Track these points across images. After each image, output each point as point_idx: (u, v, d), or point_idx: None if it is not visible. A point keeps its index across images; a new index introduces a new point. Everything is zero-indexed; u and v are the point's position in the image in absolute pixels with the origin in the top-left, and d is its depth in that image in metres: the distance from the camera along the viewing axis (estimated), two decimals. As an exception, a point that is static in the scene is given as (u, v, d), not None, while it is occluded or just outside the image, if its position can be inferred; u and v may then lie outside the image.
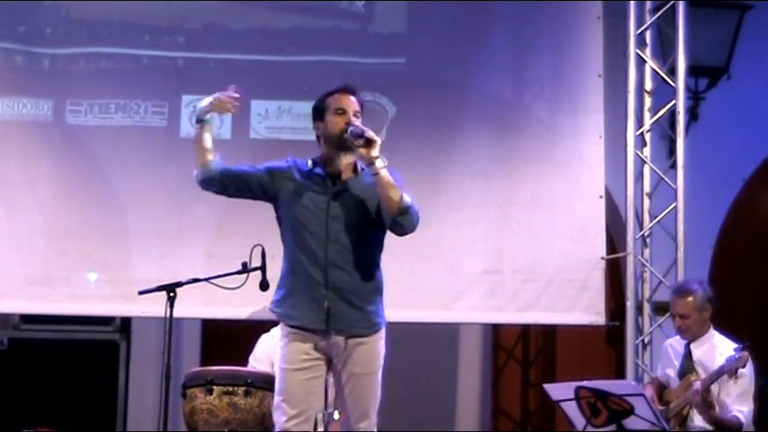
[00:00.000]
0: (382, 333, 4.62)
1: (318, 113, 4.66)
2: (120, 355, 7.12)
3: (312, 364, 4.54)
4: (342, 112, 4.59)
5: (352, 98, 4.65)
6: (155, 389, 6.75)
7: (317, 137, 4.68)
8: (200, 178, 4.66)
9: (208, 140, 4.65)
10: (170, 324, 4.89)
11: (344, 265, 4.51)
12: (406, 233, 4.57)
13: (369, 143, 4.44)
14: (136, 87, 6.56)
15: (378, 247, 4.63)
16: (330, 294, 4.50)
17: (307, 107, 6.43)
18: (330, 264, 4.50)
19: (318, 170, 4.62)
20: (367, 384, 4.55)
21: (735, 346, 5.51)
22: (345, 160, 4.60)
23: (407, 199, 4.49)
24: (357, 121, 4.57)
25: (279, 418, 4.54)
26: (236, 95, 4.66)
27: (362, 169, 4.59)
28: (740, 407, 5.48)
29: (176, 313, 4.95)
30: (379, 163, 4.42)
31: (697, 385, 5.46)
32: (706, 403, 5.43)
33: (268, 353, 5.83)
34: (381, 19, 6.75)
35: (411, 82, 6.72)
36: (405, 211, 4.47)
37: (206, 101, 4.68)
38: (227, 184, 4.66)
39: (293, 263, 4.58)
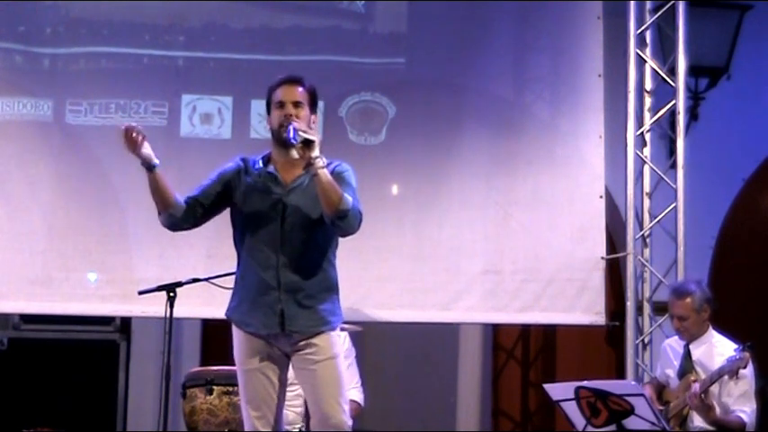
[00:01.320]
0: (337, 329, 4.50)
1: (267, 108, 4.53)
2: (120, 355, 7.13)
3: (264, 364, 4.44)
4: (280, 105, 4.44)
5: (297, 89, 4.46)
6: (155, 389, 6.75)
7: (269, 131, 4.55)
8: (168, 223, 4.51)
9: (165, 182, 4.45)
10: (170, 324, 4.89)
11: (297, 266, 4.40)
12: (347, 235, 4.43)
13: (307, 143, 4.27)
14: (136, 87, 6.56)
15: (331, 244, 4.50)
16: (283, 296, 4.40)
17: (307, 107, 6.42)
18: (282, 265, 4.39)
19: (270, 168, 4.49)
20: (329, 369, 4.39)
21: (734, 346, 5.51)
22: (296, 156, 4.42)
23: (347, 201, 4.32)
24: (299, 112, 4.41)
25: (246, 420, 4.48)
26: (133, 131, 4.38)
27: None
28: (742, 407, 5.48)
29: (176, 313, 4.96)
30: (318, 163, 4.26)
31: (695, 388, 5.45)
32: (704, 406, 5.43)
33: None
34: (381, 19, 6.75)
35: (411, 82, 6.71)
36: (343, 214, 4.31)
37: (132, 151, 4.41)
38: (191, 219, 4.51)
39: (246, 265, 4.48)
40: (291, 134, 4.27)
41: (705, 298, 5.70)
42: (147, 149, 4.39)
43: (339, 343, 4.52)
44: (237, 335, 4.50)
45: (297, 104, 4.44)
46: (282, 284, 4.40)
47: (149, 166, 4.41)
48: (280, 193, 4.44)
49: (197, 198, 4.52)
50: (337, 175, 4.41)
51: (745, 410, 5.47)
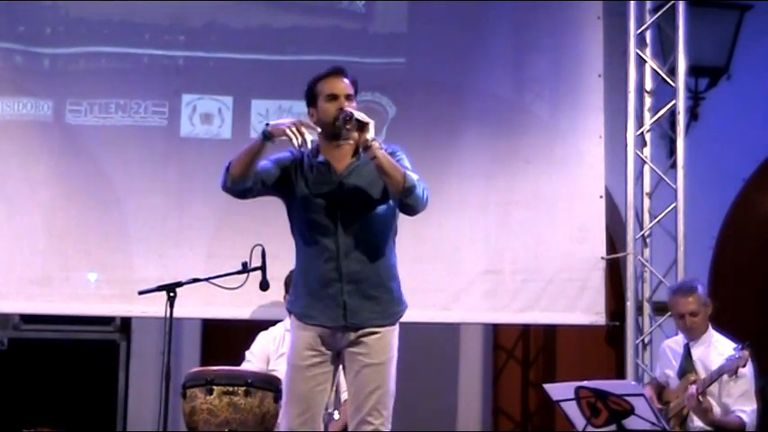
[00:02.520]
0: (398, 325, 4.50)
1: (311, 99, 4.48)
2: (120, 355, 7.13)
3: (320, 359, 4.41)
4: (333, 97, 4.40)
5: (345, 81, 4.44)
6: (155, 389, 6.76)
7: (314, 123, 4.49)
8: (240, 188, 4.39)
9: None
10: (170, 324, 4.88)
11: (358, 255, 4.38)
12: (417, 212, 4.40)
13: (361, 126, 4.27)
14: (136, 87, 6.56)
15: (390, 230, 4.50)
16: (346, 287, 4.38)
17: (307, 107, 6.40)
18: (343, 255, 4.37)
19: (320, 158, 4.45)
20: (376, 375, 4.39)
21: (733, 345, 5.52)
22: (346, 144, 4.41)
23: (412, 177, 4.30)
24: (351, 105, 4.39)
25: (285, 416, 4.46)
26: (313, 135, 4.36)
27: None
28: (742, 406, 5.48)
29: (176, 313, 4.94)
30: (375, 144, 4.26)
31: (692, 390, 5.46)
32: (702, 407, 5.43)
33: (264, 349, 5.85)
34: (382, 19, 6.75)
35: (411, 82, 6.71)
36: (410, 191, 4.28)
37: (285, 122, 4.30)
38: (258, 186, 4.42)
39: (306, 259, 4.45)
40: (348, 114, 4.27)
41: (706, 293, 5.74)
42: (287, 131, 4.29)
43: (395, 343, 4.49)
44: (297, 330, 4.45)
45: (348, 97, 4.41)
46: (344, 275, 4.37)
47: (271, 137, 4.30)
48: (335, 182, 4.40)
49: (259, 173, 4.41)
50: (392, 156, 4.37)
51: (745, 410, 5.48)
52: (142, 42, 6.59)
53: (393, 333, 4.48)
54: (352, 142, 4.40)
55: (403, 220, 6.54)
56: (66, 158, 6.47)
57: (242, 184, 4.38)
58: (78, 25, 6.57)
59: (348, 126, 4.30)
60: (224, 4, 6.61)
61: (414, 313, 6.47)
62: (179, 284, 5.04)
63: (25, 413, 6.76)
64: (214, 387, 5.27)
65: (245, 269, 5.02)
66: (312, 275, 4.43)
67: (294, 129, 4.26)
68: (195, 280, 5.18)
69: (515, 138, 6.70)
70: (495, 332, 7.78)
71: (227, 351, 6.31)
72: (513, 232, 6.61)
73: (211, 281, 5.21)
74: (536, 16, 6.76)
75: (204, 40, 6.63)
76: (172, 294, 4.94)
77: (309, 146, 4.33)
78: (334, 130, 4.39)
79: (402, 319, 6.65)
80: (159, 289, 5.02)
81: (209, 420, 5.27)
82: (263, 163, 4.44)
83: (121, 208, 6.45)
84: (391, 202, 4.43)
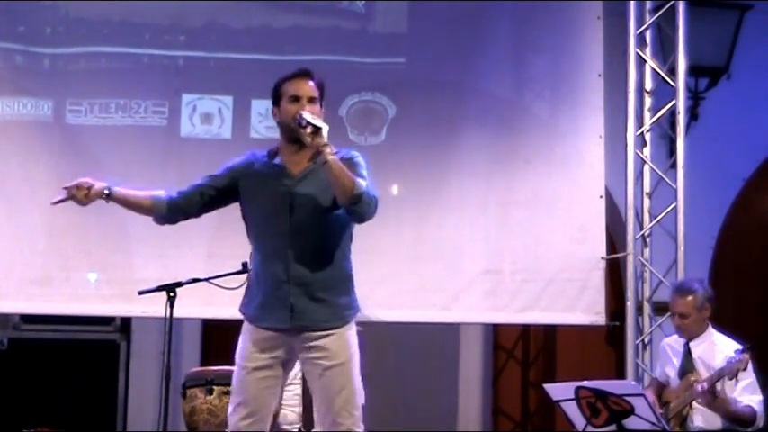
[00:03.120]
0: (352, 324, 4.46)
1: (275, 99, 4.48)
2: (120, 355, 7.13)
3: (271, 362, 4.38)
4: (296, 99, 4.38)
5: (310, 83, 4.42)
6: (155, 389, 6.75)
7: (277, 123, 4.51)
8: (160, 222, 4.55)
9: (130, 196, 4.50)
10: (170, 324, 4.88)
11: (308, 259, 4.33)
12: (364, 221, 4.36)
13: (316, 130, 4.25)
14: (136, 87, 6.56)
15: (343, 235, 4.45)
16: (293, 290, 4.33)
17: (307, 107, 6.40)
18: (293, 258, 4.34)
19: (277, 161, 4.44)
20: (338, 376, 4.33)
21: (733, 343, 5.51)
22: (306, 148, 4.38)
23: (360, 185, 4.24)
24: (313, 108, 4.37)
25: (232, 418, 4.40)
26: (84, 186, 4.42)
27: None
28: (750, 396, 5.48)
29: (176, 313, 4.94)
30: (327, 149, 4.22)
31: (703, 386, 5.43)
32: (718, 399, 5.40)
33: None
34: (382, 19, 6.75)
35: (411, 82, 6.71)
36: (357, 199, 4.23)
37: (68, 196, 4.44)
38: (185, 207, 4.50)
39: (259, 261, 4.45)
40: (304, 120, 4.26)
41: (707, 297, 5.71)
42: (94, 191, 4.43)
43: (353, 341, 4.43)
44: (248, 331, 4.44)
45: (311, 100, 4.41)
46: (292, 278, 4.34)
47: (106, 197, 4.44)
48: (288, 185, 4.39)
49: (200, 187, 4.50)
50: (348, 161, 4.35)
51: (754, 399, 5.47)
52: (142, 42, 6.59)
53: (349, 332, 4.43)
54: (308, 142, 4.36)
55: (405, 220, 6.61)
56: (66, 158, 6.47)
57: (160, 218, 4.52)
58: (78, 25, 6.57)
59: (303, 130, 4.27)
60: (224, 4, 6.61)
61: (414, 313, 6.55)
62: (179, 284, 5.04)
63: (25, 413, 6.76)
64: (214, 387, 5.29)
65: (245, 269, 5.02)
66: (264, 278, 4.42)
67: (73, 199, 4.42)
68: (195, 280, 5.18)
69: (515, 138, 6.70)
70: (495, 332, 7.78)
71: (227, 351, 6.29)
72: (513, 232, 6.61)
73: (211, 281, 5.21)
74: (536, 16, 6.76)
75: (204, 40, 6.63)
76: (172, 294, 4.94)
77: None
78: (292, 133, 4.38)
79: (402, 320, 6.68)
80: (159, 289, 5.02)
81: (209, 420, 5.28)
82: (199, 180, 4.51)
83: (121, 208, 6.43)
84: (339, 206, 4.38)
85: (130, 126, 6.54)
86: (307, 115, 4.28)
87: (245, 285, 4.59)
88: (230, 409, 4.42)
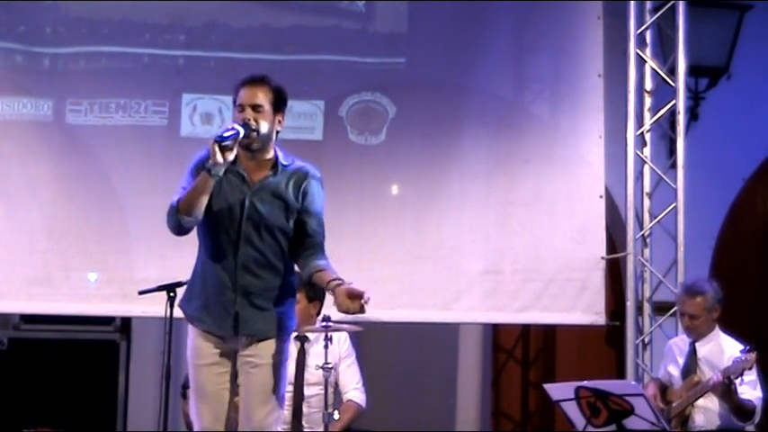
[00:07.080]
0: (290, 337, 4.50)
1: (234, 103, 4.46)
2: (120, 355, 7.13)
3: (219, 359, 4.41)
4: (241, 107, 4.36)
5: (257, 91, 4.37)
6: (155, 389, 6.74)
7: None
8: (185, 228, 4.37)
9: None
10: (170, 324, 4.88)
11: (254, 269, 4.35)
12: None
13: (248, 135, 4.27)
14: (136, 86, 6.56)
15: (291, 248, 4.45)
16: (239, 299, 4.35)
17: (307, 107, 6.42)
18: (240, 267, 4.34)
19: (238, 167, 4.38)
20: (261, 375, 4.36)
21: (740, 345, 5.52)
22: (262, 157, 4.37)
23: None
24: (259, 115, 4.31)
25: (196, 416, 4.44)
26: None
27: (283, 166, 4.40)
28: (752, 392, 5.50)
29: (176, 313, 4.94)
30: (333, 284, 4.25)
31: (717, 377, 5.42)
32: (730, 389, 5.40)
33: None
34: (382, 19, 6.75)
35: (411, 82, 6.71)
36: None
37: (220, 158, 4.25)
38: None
39: (205, 262, 4.44)
40: (223, 132, 4.22)
41: (717, 298, 5.72)
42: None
43: (286, 348, 4.46)
44: (192, 330, 4.48)
45: (255, 108, 4.35)
46: (239, 287, 4.36)
47: (216, 173, 4.27)
48: (245, 193, 4.37)
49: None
50: (304, 195, 4.38)
51: (755, 395, 5.49)
52: (142, 42, 6.59)
53: (285, 344, 4.45)
54: (269, 156, 4.38)
55: (405, 220, 6.61)
56: (66, 158, 6.47)
57: (195, 222, 4.37)
58: (78, 25, 6.57)
59: (219, 140, 4.22)
60: (224, 4, 6.61)
61: (414, 313, 6.54)
62: (179, 284, 5.03)
63: (25, 413, 6.75)
64: (214, 387, 5.27)
65: (245, 269, 5.00)
66: (209, 281, 4.42)
67: (213, 148, 4.21)
68: (195, 280, 5.17)
69: (515, 137, 6.70)
70: (495, 332, 7.78)
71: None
72: (513, 232, 6.61)
73: (211, 281, 5.19)
74: (536, 16, 6.76)
75: (204, 39, 6.63)
76: (172, 294, 4.93)
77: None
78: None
79: (402, 320, 6.68)
80: (159, 289, 5.01)
81: (209, 420, 5.26)
82: (185, 186, 4.43)
83: (121, 208, 6.45)
84: (291, 222, 4.39)
85: (130, 126, 6.54)
86: (226, 133, 4.21)
87: (189, 282, 4.57)
88: (191, 408, 4.46)
